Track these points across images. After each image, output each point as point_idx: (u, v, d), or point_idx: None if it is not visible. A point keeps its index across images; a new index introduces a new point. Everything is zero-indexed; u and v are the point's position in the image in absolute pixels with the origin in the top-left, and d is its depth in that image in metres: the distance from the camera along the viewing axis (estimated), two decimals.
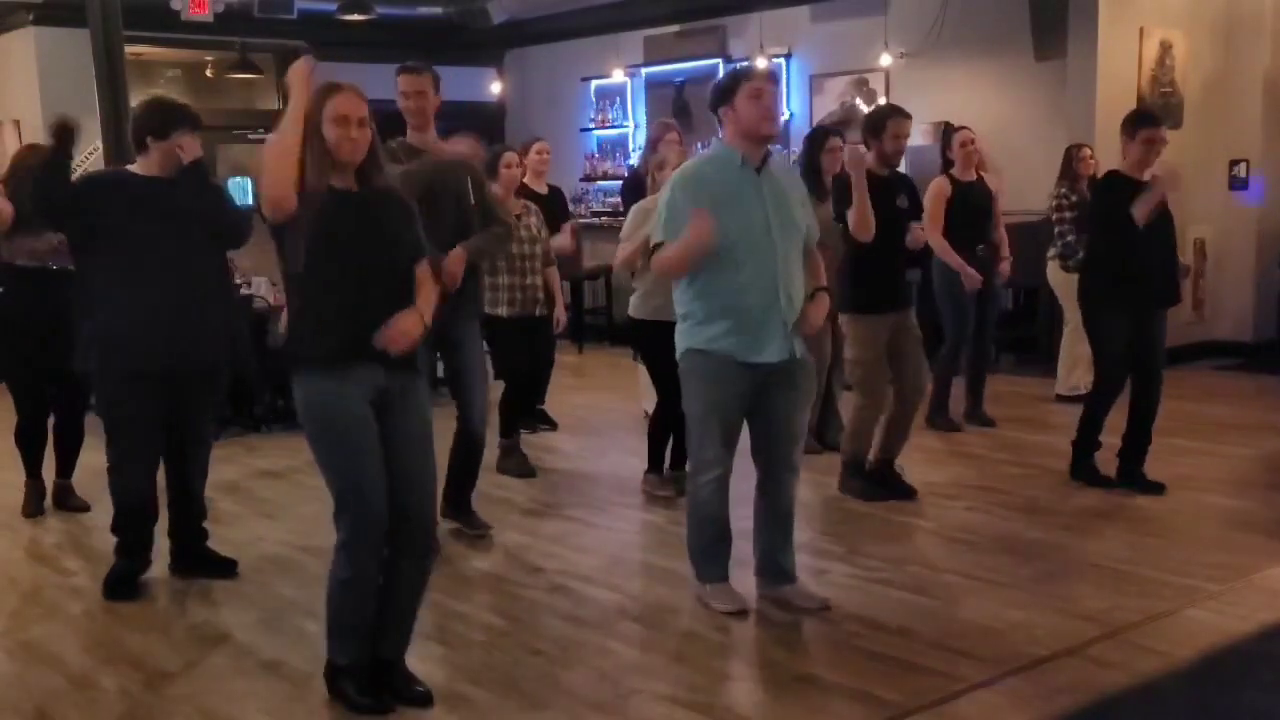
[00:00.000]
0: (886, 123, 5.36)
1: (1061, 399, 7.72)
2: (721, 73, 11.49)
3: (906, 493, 5.57)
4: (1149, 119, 5.63)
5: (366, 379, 3.32)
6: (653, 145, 6.16)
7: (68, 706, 3.60)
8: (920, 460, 6.38)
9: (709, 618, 4.13)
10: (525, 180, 6.73)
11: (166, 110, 4.53)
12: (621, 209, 7.37)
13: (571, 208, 9.70)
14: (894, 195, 5.42)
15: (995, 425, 7.11)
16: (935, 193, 6.94)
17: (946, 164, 7.20)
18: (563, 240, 7.25)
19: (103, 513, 4.79)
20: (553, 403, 7.39)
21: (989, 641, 3.87)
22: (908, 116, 5.44)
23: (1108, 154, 8.04)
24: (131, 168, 4.57)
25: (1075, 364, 7.72)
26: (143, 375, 4.37)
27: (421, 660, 3.80)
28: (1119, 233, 5.42)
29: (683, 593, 4.35)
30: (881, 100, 10.43)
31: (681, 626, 4.08)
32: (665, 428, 5.72)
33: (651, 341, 5.46)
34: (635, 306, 5.61)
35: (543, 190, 7.12)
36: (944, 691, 3.50)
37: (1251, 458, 6.25)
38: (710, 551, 4.23)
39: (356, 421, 3.30)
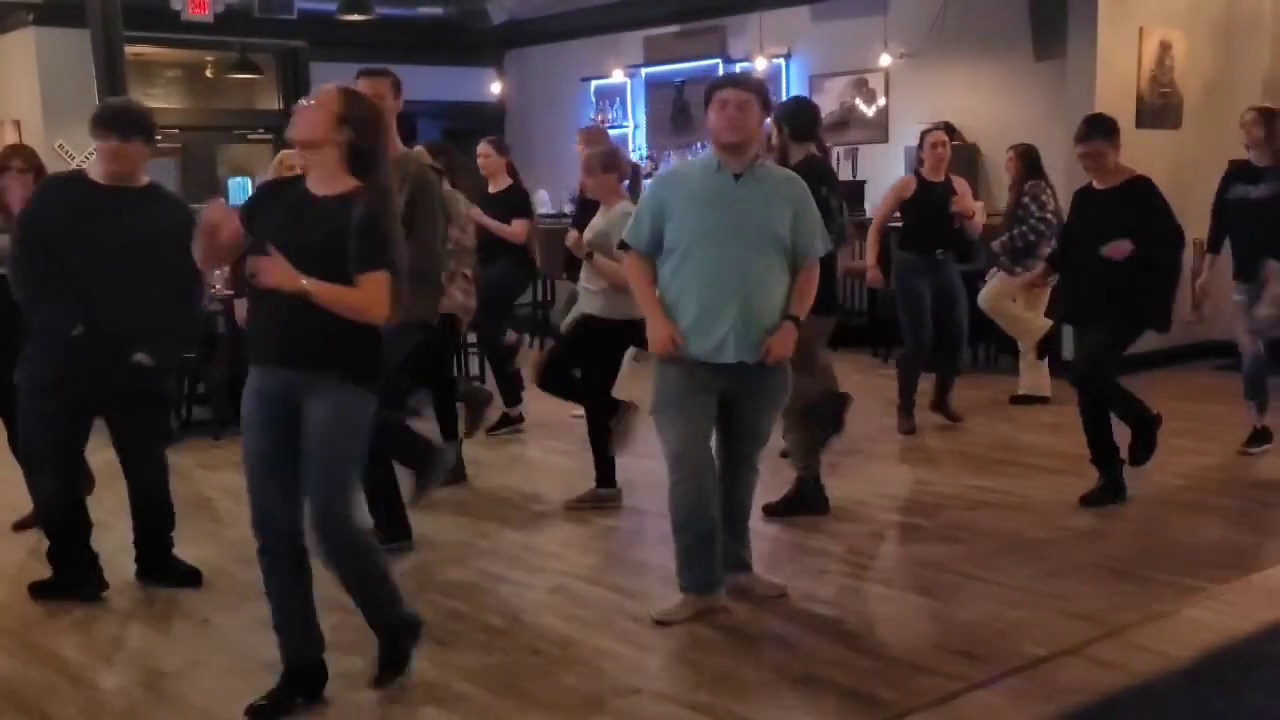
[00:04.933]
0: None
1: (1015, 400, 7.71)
2: (721, 73, 11.53)
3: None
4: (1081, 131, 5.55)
5: (279, 380, 3.36)
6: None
7: (68, 706, 3.60)
8: (919, 460, 6.40)
9: (709, 617, 4.12)
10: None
11: (100, 111, 4.37)
12: (574, 220, 7.35)
13: (570, 208, 9.71)
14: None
15: (960, 420, 7.07)
16: (896, 188, 7.07)
17: (919, 162, 7.17)
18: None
19: (104, 513, 4.78)
20: (552, 403, 7.38)
21: (989, 641, 3.87)
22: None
23: None
24: (87, 170, 4.44)
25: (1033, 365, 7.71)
26: (63, 409, 4.29)
27: (422, 659, 3.80)
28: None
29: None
30: (881, 101, 10.45)
31: (681, 626, 4.07)
32: (601, 433, 5.57)
33: (592, 340, 5.52)
34: (586, 303, 5.57)
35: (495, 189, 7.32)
36: (944, 691, 3.50)
37: (1251, 458, 6.25)
38: (684, 558, 4.18)
39: (253, 425, 3.39)
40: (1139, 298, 5.37)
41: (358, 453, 3.42)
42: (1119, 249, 5.28)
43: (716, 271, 3.99)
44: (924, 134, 7.16)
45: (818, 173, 5.01)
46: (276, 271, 3.23)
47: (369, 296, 3.28)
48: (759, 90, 4.10)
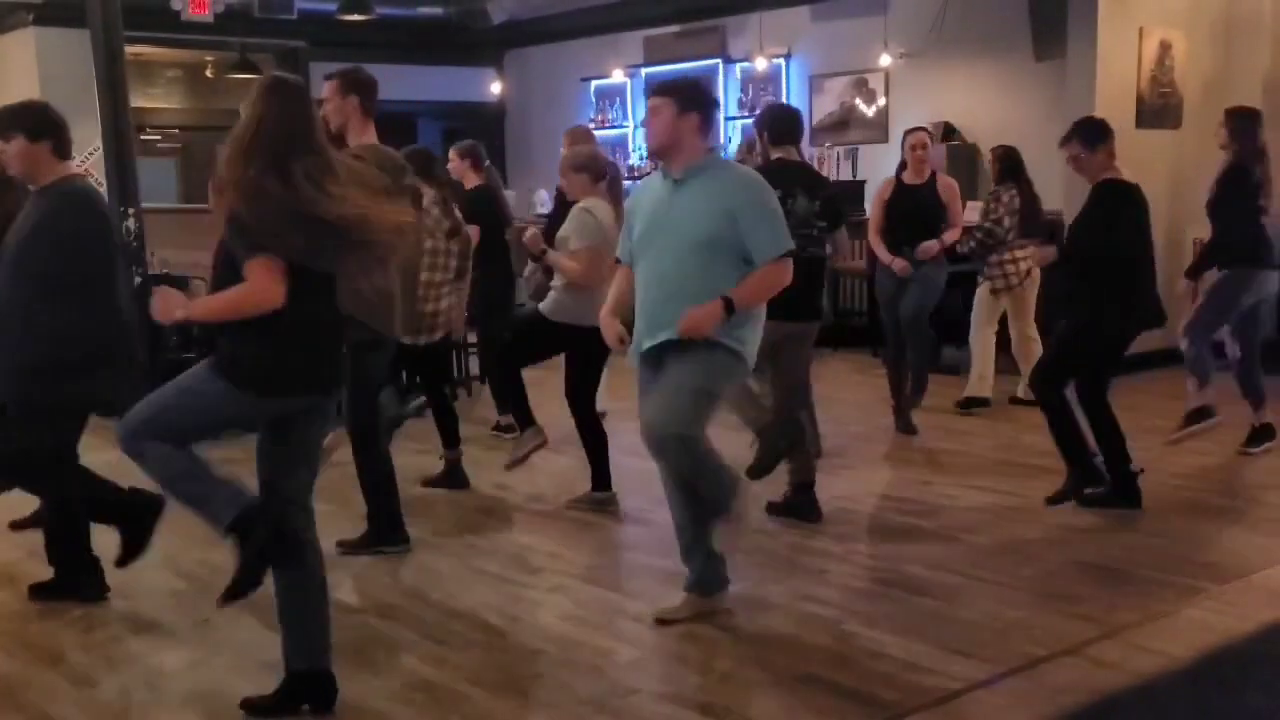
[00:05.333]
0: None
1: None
2: (721, 73, 11.54)
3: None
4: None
5: None
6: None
7: (68, 706, 3.60)
8: (918, 460, 6.40)
9: (709, 618, 4.12)
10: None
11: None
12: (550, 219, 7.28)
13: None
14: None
15: (903, 434, 6.92)
16: (878, 191, 7.08)
17: (902, 165, 7.12)
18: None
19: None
20: (551, 404, 7.33)
21: (989, 641, 3.87)
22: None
23: None
24: None
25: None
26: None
27: (421, 660, 3.81)
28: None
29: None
30: (881, 101, 10.45)
31: (681, 626, 4.07)
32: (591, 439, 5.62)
33: (532, 336, 5.57)
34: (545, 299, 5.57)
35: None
36: (944, 691, 3.50)
37: (1251, 458, 6.25)
38: (684, 558, 4.21)
39: None
40: (1078, 299, 5.29)
41: (179, 404, 3.31)
42: (1043, 256, 5.48)
43: (650, 276, 4.01)
44: (905, 134, 7.14)
45: (778, 176, 4.84)
46: (157, 309, 3.30)
47: (246, 288, 3.17)
48: (674, 92, 3.99)
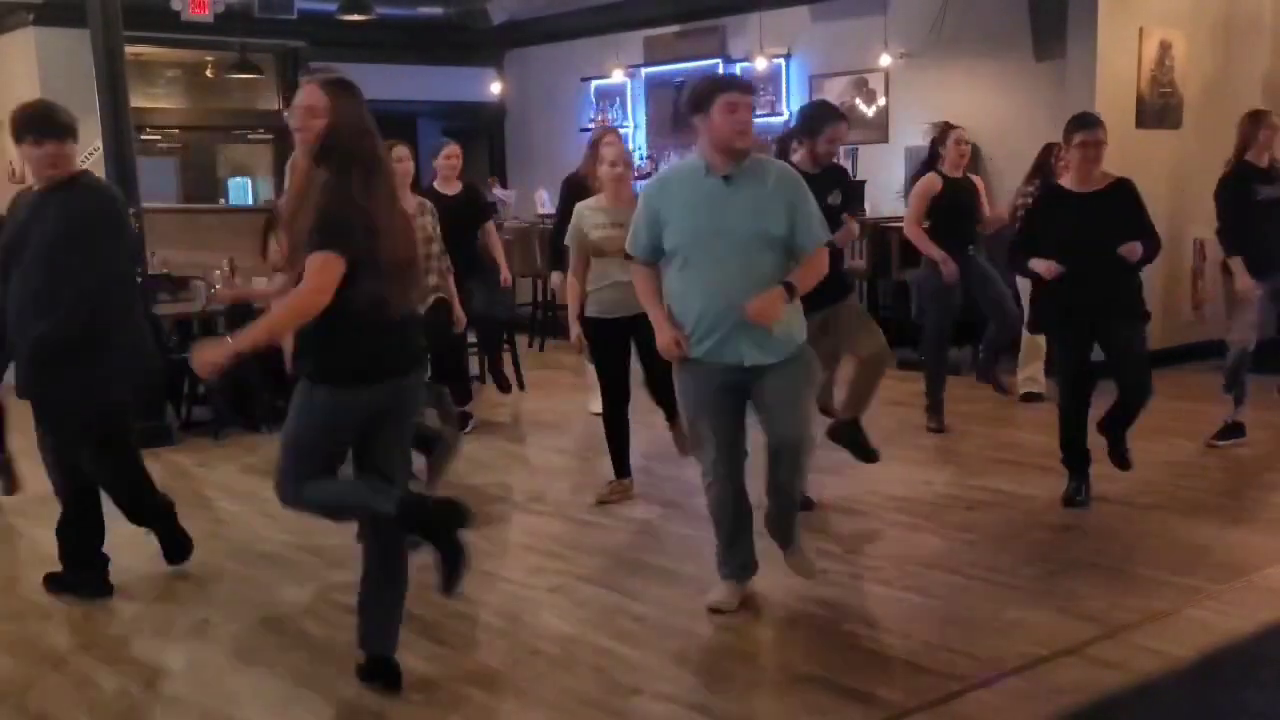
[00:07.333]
0: (824, 127, 5.25)
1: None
2: (721, 73, 11.54)
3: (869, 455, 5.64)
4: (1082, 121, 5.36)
5: None
6: (594, 147, 6.32)
7: (68, 706, 3.60)
8: (919, 460, 6.39)
9: (709, 618, 4.13)
10: (435, 184, 7.17)
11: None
12: (554, 210, 7.34)
13: None
14: (825, 193, 5.11)
15: (1009, 393, 7.47)
16: (923, 190, 6.92)
17: (932, 160, 7.09)
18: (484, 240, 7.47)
19: (108, 510, 4.77)
20: (552, 402, 7.37)
21: (989, 641, 3.87)
22: (844, 118, 5.41)
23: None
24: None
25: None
26: None
27: (422, 659, 3.81)
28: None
29: (682, 592, 4.35)
30: (881, 101, 10.45)
31: (681, 626, 4.08)
32: (614, 429, 5.68)
33: (594, 340, 5.58)
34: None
35: (450, 192, 7.20)
36: (944, 691, 3.50)
37: (1251, 458, 6.25)
38: (719, 549, 4.26)
39: None
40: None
41: (292, 434, 3.46)
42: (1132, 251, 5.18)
43: (716, 276, 3.96)
44: (945, 130, 7.07)
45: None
46: (198, 364, 3.46)
47: (302, 290, 3.33)
48: (753, 91, 4.15)
